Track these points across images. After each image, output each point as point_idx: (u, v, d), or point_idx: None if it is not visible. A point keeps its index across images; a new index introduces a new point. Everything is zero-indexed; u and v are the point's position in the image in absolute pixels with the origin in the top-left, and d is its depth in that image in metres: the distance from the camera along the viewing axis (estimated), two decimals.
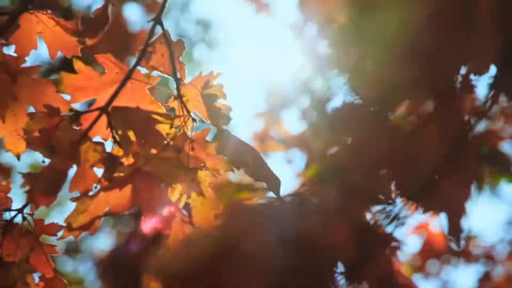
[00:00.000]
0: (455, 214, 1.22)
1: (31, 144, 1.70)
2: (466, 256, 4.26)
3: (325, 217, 1.11)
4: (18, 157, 1.83)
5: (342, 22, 1.21)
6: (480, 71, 1.18)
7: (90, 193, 1.69)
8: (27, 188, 1.65)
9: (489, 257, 4.20)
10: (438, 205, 1.21)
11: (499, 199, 4.10)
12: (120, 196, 1.69)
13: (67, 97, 1.76)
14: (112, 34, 1.98)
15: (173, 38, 1.75)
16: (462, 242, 1.25)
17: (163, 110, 1.77)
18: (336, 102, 1.23)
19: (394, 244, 1.18)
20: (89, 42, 1.75)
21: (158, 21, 1.72)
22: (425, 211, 1.23)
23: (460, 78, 1.18)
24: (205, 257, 1.07)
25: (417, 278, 4.21)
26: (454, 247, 1.25)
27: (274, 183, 1.73)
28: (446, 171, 1.18)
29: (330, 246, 1.07)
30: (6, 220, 1.78)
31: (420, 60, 1.15)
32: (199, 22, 7.19)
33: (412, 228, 3.98)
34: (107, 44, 2.01)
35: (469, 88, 1.18)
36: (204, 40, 7.22)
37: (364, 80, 1.19)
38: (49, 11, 1.78)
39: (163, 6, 1.74)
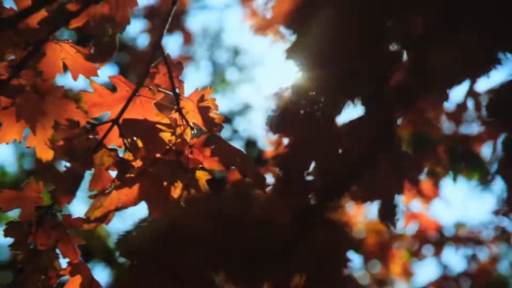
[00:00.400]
0: (387, 202, 1.29)
1: (56, 151, 1.78)
2: (457, 240, 4.27)
3: (269, 204, 1.19)
4: (46, 162, 1.88)
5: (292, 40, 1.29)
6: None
7: (105, 191, 1.77)
8: (51, 188, 1.74)
9: (476, 241, 4.23)
10: (370, 194, 1.28)
11: (488, 191, 4.12)
12: (130, 193, 1.77)
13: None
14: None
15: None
16: (396, 226, 1.31)
17: (167, 120, 1.84)
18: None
19: (332, 226, 1.24)
20: (99, 65, 1.81)
21: (157, 46, 1.79)
22: (356, 199, 1.30)
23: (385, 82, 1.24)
24: (160, 239, 1.16)
25: (414, 261, 4.24)
26: (392, 229, 1.31)
27: (260, 180, 1.80)
28: (373, 164, 1.25)
29: (273, 228, 1.15)
30: (39, 216, 1.82)
31: (347, 68, 1.22)
32: (230, 49, 7.26)
33: (408, 217, 4.00)
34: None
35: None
36: (234, 64, 7.31)
37: (306, 86, 1.27)
38: (70, 41, 1.84)
39: (161, 35, 1.80)
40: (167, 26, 1.79)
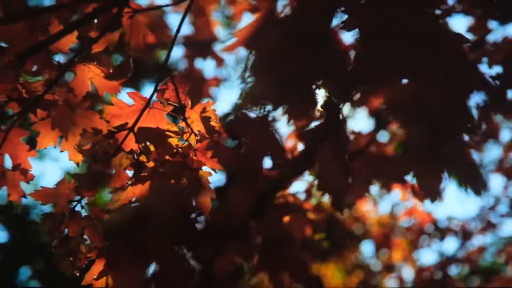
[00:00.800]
0: (336, 194, 1.39)
1: (83, 155, 1.90)
2: (448, 231, 4.34)
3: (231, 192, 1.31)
4: (77, 164, 2.00)
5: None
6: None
7: (123, 188, 1.88)
8: (76, 185, 1.86)
9: (465, 232, 4.29)
10: (322, 187, 1.38)
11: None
12: (143, 189, 1.87)
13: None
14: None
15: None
16: (343, 212, 1.41)
17: (175, 128, 1.95)
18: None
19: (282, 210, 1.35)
20: (117, 83, 1.92)
21: (165, 67, 1.90)
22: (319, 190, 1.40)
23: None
24: (129, 221, 1.28)
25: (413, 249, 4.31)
26: (340, 214, 1.41)
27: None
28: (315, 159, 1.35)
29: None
30: (70, 208, 1.93)
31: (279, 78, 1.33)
32: None
33: (406, 212, 4.06)
34: None
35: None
36: None
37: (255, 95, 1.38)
38: (95, 63, 1.96)
39: (167, 57, 1.90)
40: (171, 51, 1.89)
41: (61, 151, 1.98)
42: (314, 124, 1.35)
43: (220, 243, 1.27)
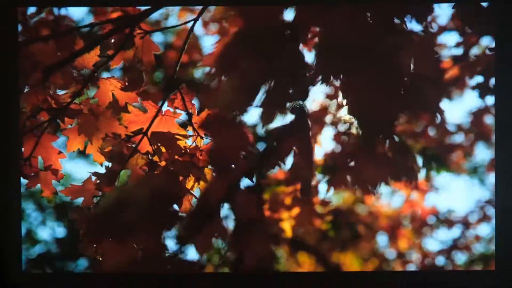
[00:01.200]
0: (304, 182, 1.45)
1: (104, 156, 1.98)
2: (448, 222, 4.34)
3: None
4: (101, 165, 2.07)
5: None
6: None
7: None
8: (97, 182, 1.94)
9: (464, 223, 4.32)
10: (294, 176, 1.44)
11: (476, 181, 4.19)
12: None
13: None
14: None
15: None
16: (311, 199, 1.46)
17: (184, 132, 2.02)
18: None
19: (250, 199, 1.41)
20: (134, 94, 2.00)
21: (173, 79, 1.97)
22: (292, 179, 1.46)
23: None
24: (111, 206, 1.35)
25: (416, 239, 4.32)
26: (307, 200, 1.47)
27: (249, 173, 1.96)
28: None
29: None
30: (94, 203, 1.96)
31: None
32: None
33: (409, 205, 4.09)
34: None
35: None
36: None
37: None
38: (115, 77, 2.04)
39: (174, 72, 1.97)
40: (178, 65, 1.95)
41: (87, 154, 2.05)
42: (279, 123, 1.41)
43: (198, 224, 1.34)
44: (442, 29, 2.88)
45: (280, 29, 1.36)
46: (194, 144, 2.00)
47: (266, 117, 1.42)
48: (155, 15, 2.24)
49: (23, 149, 2.02)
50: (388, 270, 4.25)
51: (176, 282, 1.84)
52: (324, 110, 3.54)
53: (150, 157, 1.99)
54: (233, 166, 1.46)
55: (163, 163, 1.98)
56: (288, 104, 1.41)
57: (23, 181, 2.02)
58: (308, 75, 1.36)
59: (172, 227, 1.40)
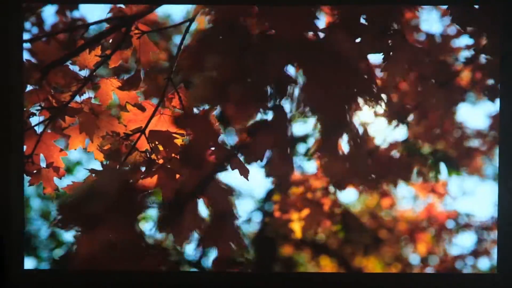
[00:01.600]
0: (280, 179, 1.48)
1: (103, 154, 2.03)
2: (467, 226, 4.32)
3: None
4: (101, 162, 2.12)
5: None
6: None
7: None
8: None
9: (483, 227, 4.29)
10: (269, 173, 1.48)
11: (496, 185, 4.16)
12: (152, 181, 1.99)
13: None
14: None
15: None
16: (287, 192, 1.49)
17: (181, 131, 2.05)
18: None
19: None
20: (127, 92, 2.05)
21: (170, 80, 2.01)
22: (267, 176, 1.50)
23: None
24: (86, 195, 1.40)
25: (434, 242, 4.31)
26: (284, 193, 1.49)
27: (244, 170, 1.99)
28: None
29: None
30: None
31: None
32: None
33: (427, 209, 4.08)
34: None
35: None
36: None
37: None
38: (116, 77, 2.10)
39: (170, 70, 2.01)
40: (174, 66, 1.99)
41: (88, 152, 2.11)
42: (254, 119, 1.45)
43: (171, 215, 1.39)
44: (459, 33, 2.89)
45: (246, 27, 1.40)
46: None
47: (243, 114, 1.45)
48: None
49: (25, 146, 2.07)
50: (387, 272, 4.24)
51: (179, 280, 1.88)
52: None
53: (148, 155, 2.04)
54: (204, 160, 1.50)
55: (160, 161, 2.03)
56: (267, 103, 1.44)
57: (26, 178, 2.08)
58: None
59: (140, 216, 1.45)
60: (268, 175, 1.49)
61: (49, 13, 2.36)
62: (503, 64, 2.00)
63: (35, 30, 2.35)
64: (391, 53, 1.89)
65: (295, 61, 1.36)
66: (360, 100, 1.39)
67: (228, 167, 1.83)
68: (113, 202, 1.39)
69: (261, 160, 1.49)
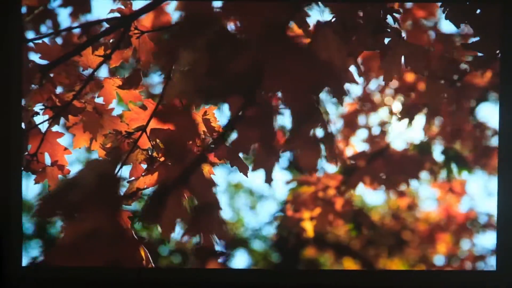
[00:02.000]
0: (266, 171, 1.51)
1: (105, 152, 2.08)
2: (489, 226, 4.32)
3: None
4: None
5: None
6: None
7: (138, 178, 2.04)
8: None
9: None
10: (256, 166, 1.51)
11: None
12: (153, 178, 2.03)
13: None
14: None
15: None
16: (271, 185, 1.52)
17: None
18: None
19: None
20: (130, 91, 2.09)
21: (168, 78, 2.05)
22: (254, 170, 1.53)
23: None
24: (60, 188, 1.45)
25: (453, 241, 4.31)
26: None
27: (243, 167, 2.03)
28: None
29: None
30: None
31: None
32: None
33: (445, 209, 4.08)
34: None
35: None
36: None
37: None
38: (119, 77, 2.14)
39: (168, 74, 2.05)
40: (173, 67, 2.03)
41: (92, 150, 2.15)
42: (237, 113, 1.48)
43: (158, 206, 1.44)
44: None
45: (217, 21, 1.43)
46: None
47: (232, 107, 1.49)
48: None
49: (29, 145, 2.12)
50: (387, 270, 4.24)
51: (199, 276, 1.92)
52: (356, 111, 3.59)
53: (149, 153, 2.08)
54: (186, 153, 1.55)
55: (161, 159, 2.07)
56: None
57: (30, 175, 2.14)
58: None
59: (119, 207, 1.50)
60: (254, 169, 1.52)
61: (64, 17, 2.41)
62: (503, 64, 2.00)
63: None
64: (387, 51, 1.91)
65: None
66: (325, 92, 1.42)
67: (228, 165, 1.86)
68: (94, 193, 1.43)
69: (247, 154, 1.52)
